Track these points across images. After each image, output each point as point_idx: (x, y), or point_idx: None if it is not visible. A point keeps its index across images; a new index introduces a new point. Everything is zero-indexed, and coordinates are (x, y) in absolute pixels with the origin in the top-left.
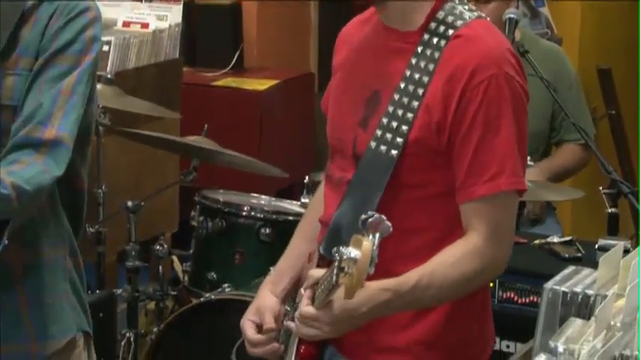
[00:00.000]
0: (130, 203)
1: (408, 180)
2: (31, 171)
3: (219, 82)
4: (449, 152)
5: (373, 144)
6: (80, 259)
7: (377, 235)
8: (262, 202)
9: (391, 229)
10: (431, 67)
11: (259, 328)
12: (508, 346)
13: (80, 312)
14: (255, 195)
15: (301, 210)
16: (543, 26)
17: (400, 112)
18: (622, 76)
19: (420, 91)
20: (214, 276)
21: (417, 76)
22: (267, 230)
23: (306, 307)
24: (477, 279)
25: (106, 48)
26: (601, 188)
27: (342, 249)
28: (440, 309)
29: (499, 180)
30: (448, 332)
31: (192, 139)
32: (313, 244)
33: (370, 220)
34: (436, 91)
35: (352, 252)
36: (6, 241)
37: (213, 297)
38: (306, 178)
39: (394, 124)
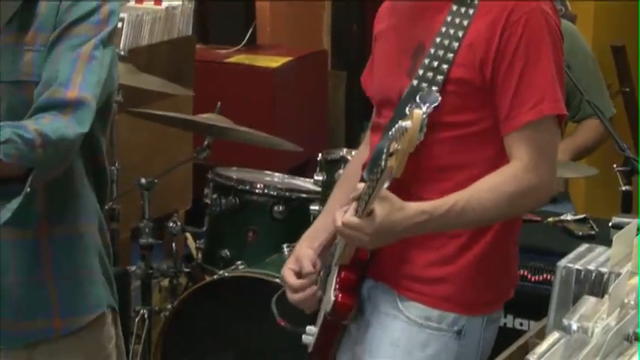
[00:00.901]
0: (143, 180)
1: (447, 118)
2: (56, 123)
3: (232, 59)
4: (492, 89)
5: (415, 82)
6: (107, 235)
7: (426, 104)
8: (275, 179)
9: (439, 98)
10: (471, 11)
11: (298, 275)
12: (521, 324)
13: (108, 288)
14: (269, 172)
15: (314, 187)
16: (557, 3)
17: (441, 52)
18: (636, 53)
19: (460, 33)
20: (228, 253)
21: (457, 20)
22: (281, 208)
23: (350, 217)
24: (514, 204)
25: (119, 25)
26: (615, 166)
27: (391, 132)
28: (481, 243)
29: (541, 106)
30: (488, 266)
31: (205, 117)
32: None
33: (417, 96)
34: (477, 31)
35: (402, 123)
36: (28, 189)
37: (226, 274)
38: (319, 155)
39: (435, 63)
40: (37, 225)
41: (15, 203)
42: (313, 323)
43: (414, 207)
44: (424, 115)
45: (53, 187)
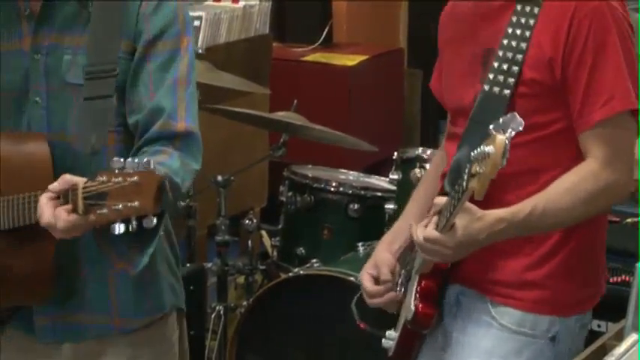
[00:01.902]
0: (219, 178)
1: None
2: (175, 163)
3: (309, 58)
4: (563, 88)
5: (486, 87)
6: (174, 238)
7: (509, 129)
8: (351, 177)
9: (522, 124)
10: (535, 10)
11: (376, 280)
12: (599, 326)
13: (176, 290)
14: (344, 171)
15: (389, 186)
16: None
17: (510, 54)
18: None
19: (527, 33)
20: (303, 251)
21: (522, 20)
22: (356, 206)
23: (431, 231)
24: (593, 203)
25: (197, 23)
26: None
27: (473, 153)
28: (570, 244)
29: (613, 102)
30: (578, 265)
31: (281, 114)
32: (428, 206)
33: (501, 119)
34: (544, 29)
35: (485, 148)
36: (161, 232)
37: (301, 272)
38: (395, 154)
39: (505, 66)
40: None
41: (151, 248)
42: (393, 326)
43: (492, 215)
44: (507, 141)
45: None
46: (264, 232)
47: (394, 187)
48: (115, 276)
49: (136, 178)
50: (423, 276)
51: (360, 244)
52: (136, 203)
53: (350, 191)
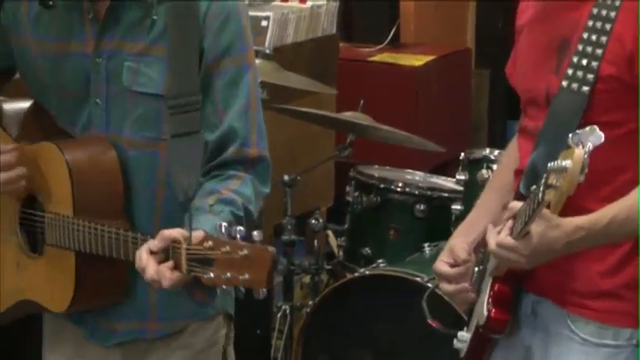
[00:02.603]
0: (286, 177)
1: (601, 118)
2: (248, 189)
3: (376, 58)
4: None
5: (565, 83)
6: None
7: (588, 144)
8: (417, 178)
9: (603, 138)
10: (617, 2)
11: (452, 267)
12: None
13: (224, 295)
14: (410, 171)
15: (456, 187)
16: None
17: (589, 49)
18: None
19: (608, 26)
20: (369, 251)
21: (603, 12)
22: (422, 206)
23: (505, 238)
24: None
25: (264, 23)
26: None
27: (551, 163)
28: None
29: None
30: None
31: (348, 115)
32: (504, 196)
33: (580, 131)
34: (625, 23)
35: (562, 162)
36: None
37: (367, 272)
38: (462, 154)
39: (584, 61)
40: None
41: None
42: (463, 326)
43: (570, 224)
44: (586, 156)
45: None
46: (330, 232)
47: (461, 188)
48: None
49: (246, 252)
50: (497, 279)
51: (426, 244)
52: (247, 276)
53: (416, 192)
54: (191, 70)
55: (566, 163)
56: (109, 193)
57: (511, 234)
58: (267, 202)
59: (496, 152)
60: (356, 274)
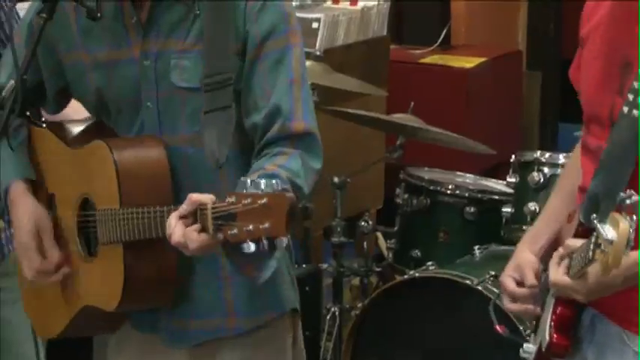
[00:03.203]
0: (336, 179)
1: None
2: (297, 164)
3: (426, 60)
4: None
5: (625, 109)
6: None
7: (634, 217)
8: (467, 180)
9: None
10: None
11: (519, 283)
12: None
13: (290, 289)
14: (460, 173)
15: (507, 189)
16: None
17: None
18: None
19: None
20: (418, 253)
21: None
22: (472, 209)
23: (561, 277)
24: None
25: (315, 25)
26: None
27: (599, 226)
28: None
29: None
30: None
31: (398, 117)
32: (569, 203)
33: (628, 201)
34: None
35: (609, 232)
36: (288, 236)
37: (417, 274)
38: (513, 157)
39: None
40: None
41: (279, 253)
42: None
43: (627, 260)
44: (631, 230)
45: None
46: (379, 234)
47: (511, 191)
48: (229, 277)
49: (265, 200)
50: (560, 301)
51: (476, 247)
52: (267, 225)
53: (466, 194)
54: (223, 49)
55: (612, 235)
56: (156, 189)
57: (568, 272)
58: (316, 204)
59: (547, 155)
60: (405, 277)
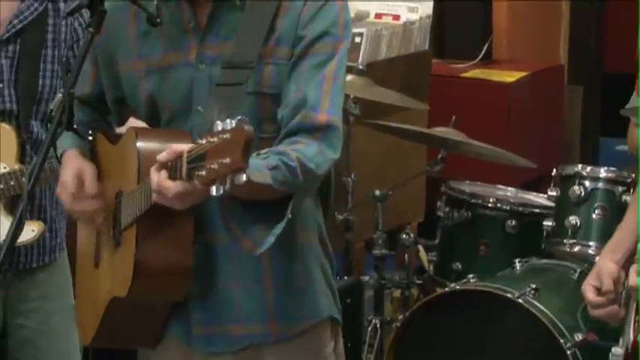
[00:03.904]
0: (377, 192)
1: None
2: (311, 150)
3: (468, 74)
4: None
5: None
6: (329, 246)
7: None
8: (508, 193)
9: None
10: None
11: (599, 291)
12: None
13: (330, 298)
14: (502, 187)
15: (548, 203)
16: None
17: None
18: None
19: None
20: (459, 266)
21: None
22: (513, 222)
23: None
24: None
25: (358, 39)
26: None
27: None
28: None
29: None
30: None
31: (439, 130)
32: None
33: None
34: None
35: None
36: (289, 216)
37: (458, 287)
38: (554, 170)
39: None
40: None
41: (278, 229)
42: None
43: None
44: None
45: (277, 200)
46: (420, 247)
47: (552, 204)
48: (271, 282)
49: (227, 135)
50: None
51: (517, 260)
52: (227, 160)
53: (507, 207)
54: (254, 43)
55: None
56: None
57: None
58: (358, 216)
59: (588, 169)
60: (446, 289)
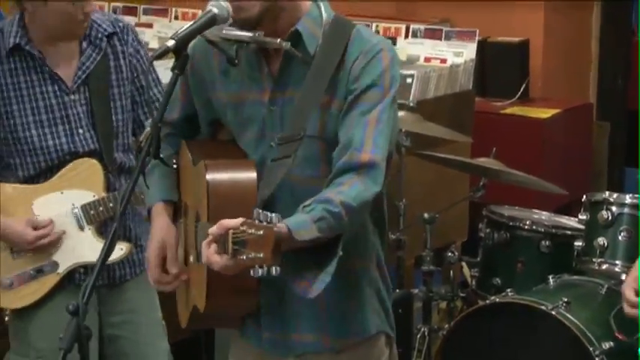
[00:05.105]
0: (426, 215)
1: None
2: (355, 190)
3: (507, 111)
4: None
5: None
6: (386, 271)
7: None
8: (543, 217)
9: None
10: None
11: (636, 292)
12: None
13: (382, 316)
14: (537, 211)
15: (578, 225)
16: None
17: None
18: None
19: None
20: (498, 281)
21: None
22: (547, 242)
23: None
24: None
25: (409, 80)
26: None
27: None
28: None
29: None
30: None
31: (481, 160)
32: None
33: None
34: None
35: None
36: (340, 252)
37: (497, 300)
38: (584, 197)
39: None
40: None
41: (332, 267)
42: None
43: None
44: None
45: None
46: (464, 264)
47: (582, 227)
48: (325, 302)
49: (261, 231)
50: None
51: (550, 276)
52: (261, 255)
53: (542, 229)
54: (315, 97)
55: None
56: (243, 210)
57: None
58: (409, 236)
59: (615, 195)
60: (487, 302)
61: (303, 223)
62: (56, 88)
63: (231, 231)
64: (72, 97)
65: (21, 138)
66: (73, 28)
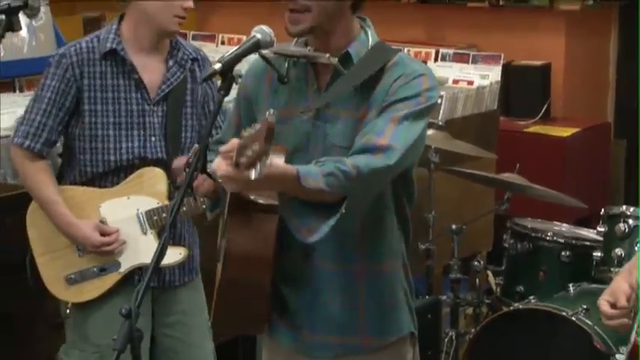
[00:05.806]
0: (454, 226)
1: None
2: (368, 159)
3: (530, 129)
4: None
5: None
6: (409, 270)
7: None
8: (563, 229)
9: None
10: None
11: (613, 305)
12: None
13: (409, 316)
14: (558, 223)
15: (597, 237)
16: None
17: None
18: None
19: None
20: (522, 289)
21: None
22: (567, 253)
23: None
24: None
25: (438, 100)
26: None
27: None
28: None
29: None
30: None
31: (506, 176)
32: None
33: None
34: None
35: None
36: (343, 211)
37: (520, 306)
38: (602, 210)
39: None
40: (357, 263)
41: (332, 221)
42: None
43: None
44: None
45: (371, 236)
46: (489, 272)
47: (601, 238)
48: (364, 303)
49: (258, 125)
50: None
51: (570, 284)
52: (256, 146)
53: (563, 240)
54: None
55: None
56: (258, 269)
57: None
58: (437, 246)
59: (632, 209)
60: (511, 308)
61: (312, 172)
62: (139, 95)
63: (237, 143)
64: (152, 107)
65: (98, 136)
66: (171, 24)
